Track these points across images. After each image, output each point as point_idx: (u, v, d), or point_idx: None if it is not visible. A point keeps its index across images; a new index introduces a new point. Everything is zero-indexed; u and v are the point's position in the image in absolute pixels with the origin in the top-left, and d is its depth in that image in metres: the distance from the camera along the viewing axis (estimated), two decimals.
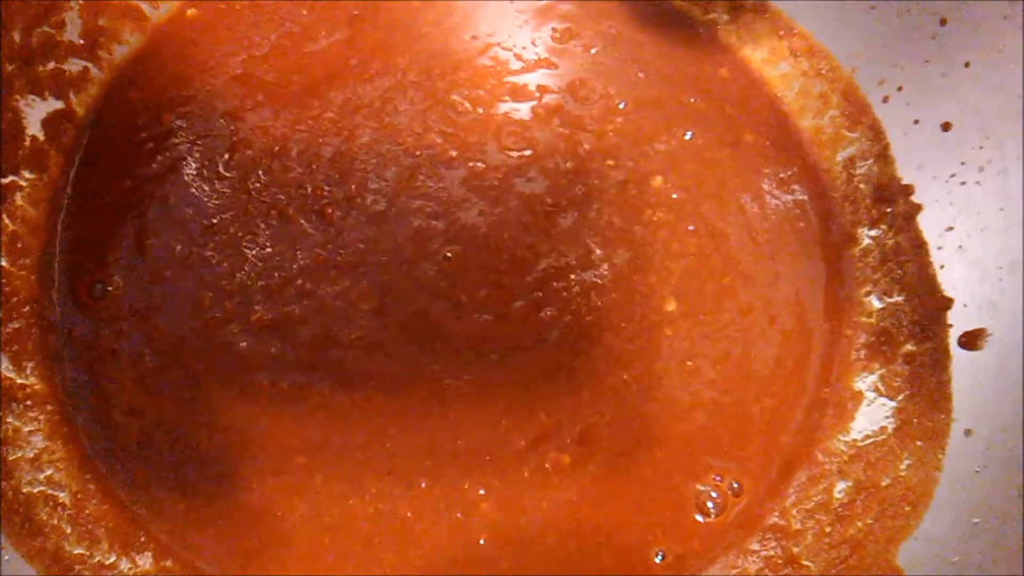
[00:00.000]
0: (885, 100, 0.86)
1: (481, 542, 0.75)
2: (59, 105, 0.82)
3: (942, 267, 0.82)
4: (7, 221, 0.79)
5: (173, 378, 0.77)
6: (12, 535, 0.71)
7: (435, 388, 0.76)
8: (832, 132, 0.89)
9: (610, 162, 0.83)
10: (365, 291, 0.78)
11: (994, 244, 0.79)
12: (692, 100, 0.87)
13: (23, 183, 0.80)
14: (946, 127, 0.82)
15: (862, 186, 0.87)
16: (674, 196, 0.84)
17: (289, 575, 0.74)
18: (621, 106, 0.85)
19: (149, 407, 0.76)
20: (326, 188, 0.80)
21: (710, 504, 0.78)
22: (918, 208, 0.84)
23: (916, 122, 0.84)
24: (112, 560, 0.74)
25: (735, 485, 0.79)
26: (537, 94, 0.85)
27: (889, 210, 0.86)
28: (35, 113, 0.81)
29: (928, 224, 0.83)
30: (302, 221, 0.80)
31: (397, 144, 0.82)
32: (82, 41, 0.83)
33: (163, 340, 0.77)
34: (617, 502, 0.77)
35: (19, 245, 0.80)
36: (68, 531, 0.74)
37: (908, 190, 0.85)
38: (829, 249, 0.86)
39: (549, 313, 0.79)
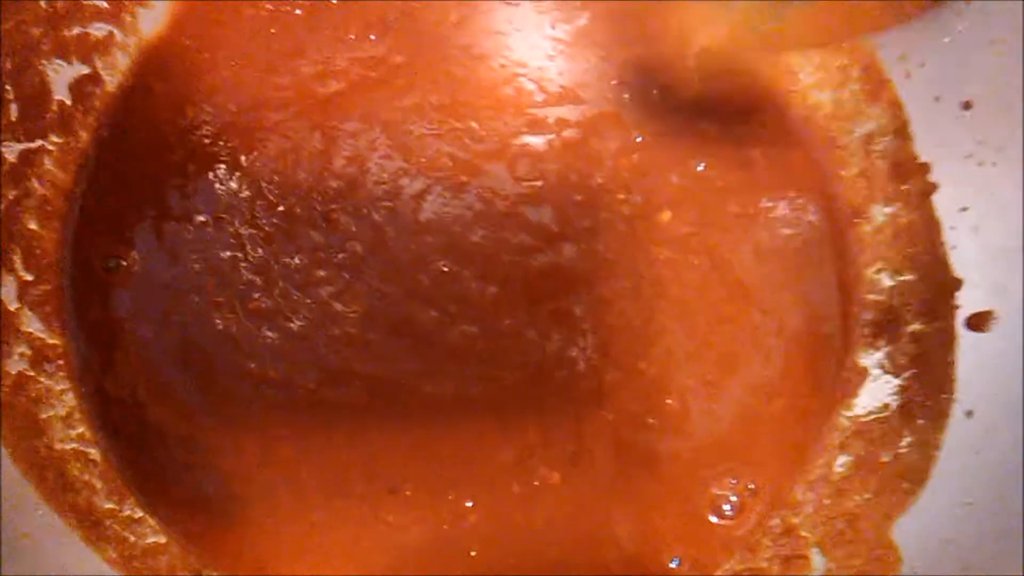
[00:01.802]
0: (907, 76, 0.85)
1: (472, 554, 0.78)
2: (85, 70, 0.84)
3: (954, 248, 0.82)
4: (35, 185, 0.82)
5: (171, 357, 0.80)
6: (45, 491, 0.75)
7: (416, 394, 0.79)
8: (852, 107, 0.88)
9: (621, 196, 0.83)
10: (359, 293, 0.80)
11: (1008, 226, 0.79)
12: (706, 127, 0.86)
13: (51, 147, 0.82)
14: (967, 105, 0.81)
15: (879, 162, 0.87)
16: (682, 230, 0.84)
17: (280, 573, 0.78)
18: (638, 140, 0.85)
19: (144, 385, 0.80)
20: (335, 196, 0.82)
21: (727, 507, 0.80)
22: (934, 187, 0.84)
23: (937, 99, 0.83)
24: (140, 515, 0.79)
25: (751, 486, 0.81)
26: (556, 127, 0.84)
27: (905, 188, 0.86)
28: (61, 78, 0.83)
29: (942, 204, 0.83)
30: (308, 223, 0.82)
31: (410, 164, 0.83)
32: (107, 4, 0.84)
33: (165, 319, 0.81)
34: (622, 517, 0.79)
35: (48, 208, 0.82)
36: (99, 487, 0.78)
37: (925, 168, 0.84)
38: (838, 245, 0.86)
39: (534, 334, 0.81)
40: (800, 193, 0.87)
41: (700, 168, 0.85)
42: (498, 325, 0.81)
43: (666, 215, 0.84)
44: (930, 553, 0.74)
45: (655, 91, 0.87)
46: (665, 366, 0.81)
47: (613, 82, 0.86)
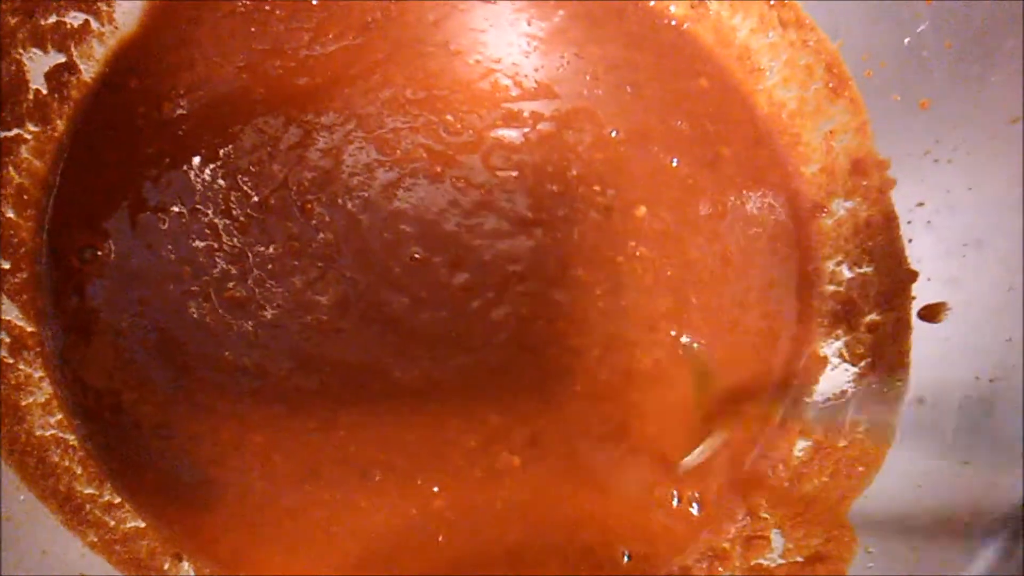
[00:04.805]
0: (868, 75, 0.88)
1: (440, 539, 0.79)
2: (61, 59, 0.84)
3: (910, 241, 0.85)
4: (12, 173, 0.82)
5: (146, 346, 0.81)
6: (26, 477, 0.76)
7: (386, 380, 0.80)
8: (814, 104, 0.91)
9: (596, 188, 0.85)
10: (332, 282, 0.82)
11: (961, 222, 0.82)
12: (679, 124, 0.88)
13: (27, 136, 0.83)
14: (924, 105, 0.84)
15: (840, 158, 0.90)
16: (655, 224, 0.86)
17: (255, 556, 0.79)
18: (613, 135, 0.87)
19: (120, 373, 0.81)
20: (310, 187, 0.83)
21: (678, 503, 0.83)
22: (892, 183, 0.87)
23: (896, 98, 0.86)
24: (119, 500, 0.80)
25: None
26: (531, 121, 0.86)
27: (864, 183, 0.89)
28: (38, 67, 0.83)
29: (900, 198, 0.86)
30: (283, 213, 0.83)
31: (385, 156, 0.84)
32: None
33: (140, 308, 0.81)
34: (576, 503, 0.81)
35: (24, 197, 0.82)
36: (78, 472, 0.79)
37: (884, 165, 0.87)
38: (801, 243, 0.90)
39: (501, 313, 0.82)
40: (767, 190, 0.89)
41: (674, 164, 0.88)
42: (466, 309, 0.82)
43: (641, 210, 0.86)
44: (882, 533, 0.77)
45: (628, 87, 0.89)
46: (629, 356, 0.84)
47: (587, 78, 0.88)
